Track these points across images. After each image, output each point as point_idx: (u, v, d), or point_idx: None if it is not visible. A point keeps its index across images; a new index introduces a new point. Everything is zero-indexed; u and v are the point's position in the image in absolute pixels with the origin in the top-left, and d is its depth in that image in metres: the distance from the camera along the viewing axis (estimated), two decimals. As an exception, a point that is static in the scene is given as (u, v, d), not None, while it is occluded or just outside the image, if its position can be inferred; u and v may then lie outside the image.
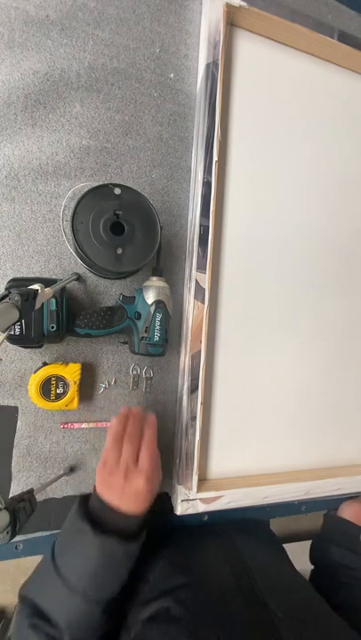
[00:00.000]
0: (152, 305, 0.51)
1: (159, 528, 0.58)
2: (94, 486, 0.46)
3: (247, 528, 0.65)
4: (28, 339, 0.45)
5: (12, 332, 0.44)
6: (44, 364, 0.52)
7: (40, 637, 0.39)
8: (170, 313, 0.53)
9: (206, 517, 0.65)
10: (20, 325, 0.45)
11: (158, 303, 0.51)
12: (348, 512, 0.67)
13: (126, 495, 0.44)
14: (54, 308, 0.46)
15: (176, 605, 0.41)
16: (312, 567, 0.65)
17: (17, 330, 0.45)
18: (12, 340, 0.45)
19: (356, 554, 0.59)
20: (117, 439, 0.47)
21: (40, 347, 0.49)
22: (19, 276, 0.51)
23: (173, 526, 0.62)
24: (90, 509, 0.45)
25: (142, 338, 0.51)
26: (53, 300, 0.46)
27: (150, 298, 0.51)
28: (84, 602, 0.40)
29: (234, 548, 0.55)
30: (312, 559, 0.65)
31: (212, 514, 0.64)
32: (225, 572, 0.48)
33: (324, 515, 0.69)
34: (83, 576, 0.40)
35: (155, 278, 0.53)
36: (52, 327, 0.46)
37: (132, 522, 0.44)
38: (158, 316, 0.51)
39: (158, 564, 0.50)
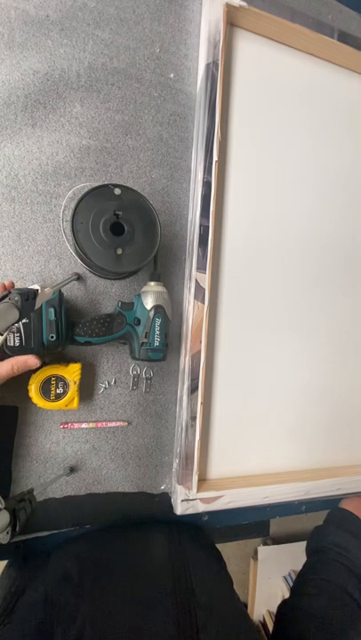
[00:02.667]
0: (151, 310, 0.51)
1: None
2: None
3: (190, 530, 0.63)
4: (27, 349, 0.45)
5: (12, 344, 0.44)
6: (44, 363, 0.52)
7: None
8: (169, 317, 0.53)
9: (207, 517, 0.65)
10: (20, 336, 0.44)
11: (157, 308, 0.51)
12: (348, 504, 0.69)
13: None
14: (53, 317, 0.45)
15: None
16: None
17: (17, 341, 0.44)
18: (12, 350, 0.45)
19: (353, 535, 0.60)
20: None
21: (40, 357, 0.49)
22: (19, 276, 0.51)
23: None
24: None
25: (142, 343, 0.51)
26: (52, 310, 0.45)
27: (149, 303, 0.51)
28: None
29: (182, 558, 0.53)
30: (307, 549, 0.65)
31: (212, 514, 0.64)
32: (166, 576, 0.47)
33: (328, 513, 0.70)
34: None
35: (152, 283, 0.53)
36: (52, 337, 0.46)
37: None
38: (158, 321, 0.51)
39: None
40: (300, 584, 0.57)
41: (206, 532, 0.65)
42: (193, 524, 0.64)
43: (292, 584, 1.29)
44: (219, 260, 0.63)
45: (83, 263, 0.53)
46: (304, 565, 0.61)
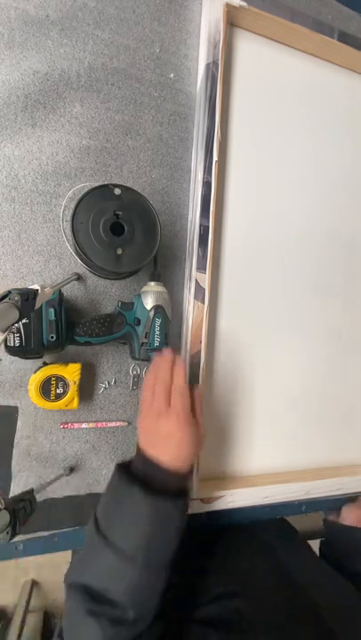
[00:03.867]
0: (151, 310, 0.51)
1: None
2: (137, 445, 0.44)
3: (274, 528, 0.65)
4: (28, 350, 0.45)
5: (12, 344, 0.44)
6: (44, 363, 0.52)
7: (102, 623, 0.35)
8: (169, 317, 0.53)
9: (207, 517, 0.65)
10: (20, 336, 0.44)
11: (157, 308, 0.51)
12: (350, 518, 0.67)
13: (161, 438, 0.42)
14: (53, 317, 0.46)
15: (234, 614, 0.40)
16: None
17: (17, 341, 0.44)
18: (12, 351, 0.45)
19: None
20: (150, 387, 0.45)
21: (40, 357, 0.49)
22: (19, 276, 0.51)
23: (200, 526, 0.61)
24: (133, 471, 0.42)
25: (142, 344, 0.51)
26: (52, 310, 0.45)
27: (149, 303, 0.51)
28: (143, 569, 0.37)
29: (275, 558, 0.54)
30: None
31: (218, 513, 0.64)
32: (272, 584, 0.48)
33: (323, 520, 0.69)
34: (137, 541, 0.38)
35: (152, 283, 0.53)
36: (52, 337, 0.46)
37: (176, 477, 0.41)
38: (158, 321, 0.51)
39: (209, 565, 0.50)
40: None
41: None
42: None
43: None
44: (219, 260, 0.63)
45: (83, 263, 0.53)
46: None
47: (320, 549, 0.67)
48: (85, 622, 0.35)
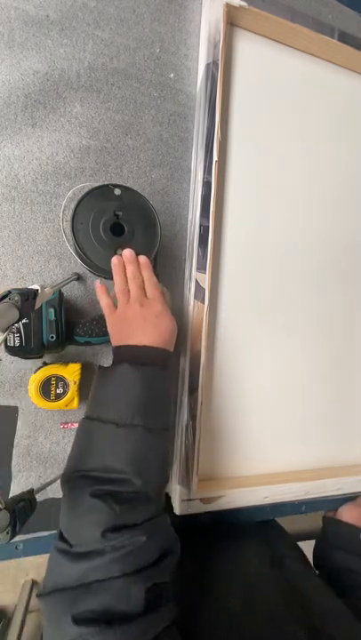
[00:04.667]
0: None
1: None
2: (114, 344, 0.45)
3: (266, 534, 0.65)
4: (28, 350, 0.45)
5: (12, 344, 0.44)
6: (44, 363, 0.52)
7: (108, 501, 0.34)
8: None
9: (207, 517, 0.64)
10: (20, 336, 0.44)
11: None
12: (347, 515, 0.67)
13: (148, 321, 0.44)
14: (53, 317, 0.46)
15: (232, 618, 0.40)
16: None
17: (17, 341, 0.44)
18: (12, 351, 0.45)
19: (359, 557, 0.58)
20: (122, 283, 0.46)
21: (40, 357, 0.49)
22: (19, 276, 0.51)
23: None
24: (115, 359, 0.44)
25: None
26: (52, 310, 0.46)
27: None
28: (145, 432, 0.37)
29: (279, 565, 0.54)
30: (315, 564, 0.65)
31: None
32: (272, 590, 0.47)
33: (323, 517, 0.69)
34: (134, 408, 0.38)
35: None
36: (52, 337, 0.46)
37: (161, 352, 0.43)
38: None
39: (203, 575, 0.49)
40: None
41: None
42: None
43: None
44: (219, 260, 0.62)
45: (83, 263, 0.53)
46: None
47: (315, 545, 0.67)
48: (91, 506, 0.34)
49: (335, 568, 0.59)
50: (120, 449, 0.37)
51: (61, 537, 0.37)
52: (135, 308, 0.45)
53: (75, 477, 0.37)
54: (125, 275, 0.47)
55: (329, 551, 0.62)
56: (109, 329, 0.47)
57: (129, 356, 0.43)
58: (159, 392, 0.41)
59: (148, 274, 0.47)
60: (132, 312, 0.45)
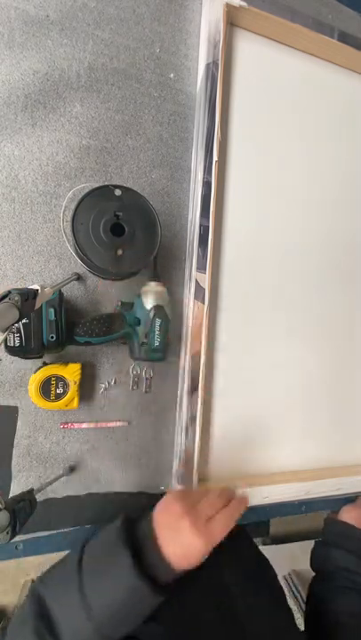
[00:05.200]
0: (151, 310, 0.51)
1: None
2: (153, 514, 0.42)
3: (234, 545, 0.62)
4: (28, 350, 0.45)
5: (12, 344, 0.44)
6: (44, 363, 0.52)
7: None
8: (169, 317, 0.53)
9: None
10: (20, 336, 0.44)
11: (157, 308, 0.51)
12: (346, 516, 0.66)
13: (178, 543, 0.39)
14: (53, 317, 0.46)
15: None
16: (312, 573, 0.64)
17: (17, 341, 0.44)
18: (13, 351, 0.45)
19: (358, 557, 0.58)
20: (209, 491, 0.44)
21: (40, 357, 0.49)
22: (19, 276, 0.51)
23: None
24: (135, 533, 0.40)
25: (142, 343, 0.51)
26: (52, 310, 0.45)
27: (149, 303, 0.51)
28: (95, 633, 0.36)
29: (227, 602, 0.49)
30: (313, 565, 0.64)
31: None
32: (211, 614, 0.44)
33: (324, 519, 0.69)
34: (105, 607, 0.36)
35: (153, 284, 0.53)
36: (52, 337, 0.46)
37: (169, 572, 0.39)
38: (158, 322, 0.51)
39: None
40: (313, 615, 0.56)
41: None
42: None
43: (292, 587, 1.27)
44: (219, 260, 0.63)
45: (83, 264, 0.53)
46: (312, 592, 0.59)
47: (314, 545, 0.67)
48: (28, 634, 0.36)
49: (333, 568, 0.59)
50: (72, 622, 0.37)
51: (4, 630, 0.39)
52: (184, 520, 0.40)
53: (39, 594, 0.39)
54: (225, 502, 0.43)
55: (328, 551, 0.61)
56: (167, 503, 0.42)
57: (143, 546, 0.39)
58: (137, 610, 0.38)
59: (233, 506, 0.43)
60: (177, 518, 0.40)
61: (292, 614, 0.50)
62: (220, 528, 0.40)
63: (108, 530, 0.41)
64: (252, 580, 0.51)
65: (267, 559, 0.59)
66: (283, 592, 0.54)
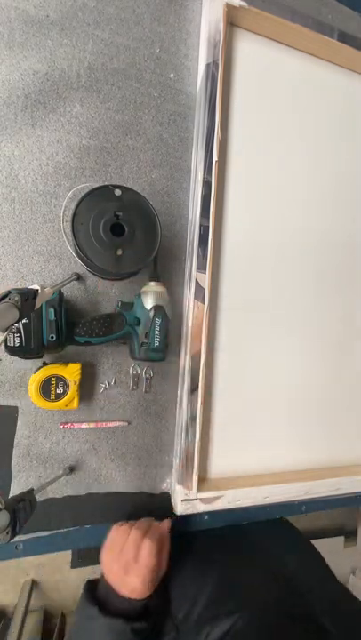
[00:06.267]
0: (151, 310, 0.51)
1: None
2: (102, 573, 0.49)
3: (280, 534, 0.67)
4: (28, 350, 0.45)
5: (12, 344, 0.44)
6: (44, 363, 0.52)
7: None
8: (169, 317, 0.53)
9: (207, 517, 0.65)
10: (20, 336, 0.44)
11: (157, 308, 0.51)
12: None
13: (124, 587, 0.46)
14: (53, 317, 0.45)
15: (235, 635, 0.42)
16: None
17: (17, 341, 0.44)
18: (12, 351, 0.45)
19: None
20: (124, 526, 0.50)
21: (40, 357, 0.49)
22: (19, 276, 0.51)
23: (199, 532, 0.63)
24: (97, 593, 0.48)
25: (142, 343, 0.51)
26: (52, 310, 0.45)
27: (149, 303, 0.51)
28: None
29: (278, 567, 0.56)
30: None
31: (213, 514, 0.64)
32: (275, 597, 0.50)
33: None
34: None
35: (152, 283, 0.53)
36: (52, 337, 0.46)
37: (135, 604, 0.46)
38: (158, 322, 0.51)
39: (207, 584, 0.52)
40: None
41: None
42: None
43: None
44: (219, 259, 0.62)
45: (83, 264, 0.53)
46: None
47: None
48: None
49: None
50: None
51: None
52: (119, 568, 0.47)
53: None
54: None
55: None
56: (103, 556, 0.50)
57: (103, 597, 0.47)
58: None
59: (155, 528, 0.51)
60: (115, 569, 0.47)
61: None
62: (146, 559, 0.47)
63: (79, 601, 0.49)
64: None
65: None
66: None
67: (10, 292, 0.37)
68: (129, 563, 0.46)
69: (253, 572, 0.55)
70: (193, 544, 0.61)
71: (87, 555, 1.36)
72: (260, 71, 0.64)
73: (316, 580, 0.55)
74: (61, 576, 1.42)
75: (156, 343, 0.51)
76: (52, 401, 0.50)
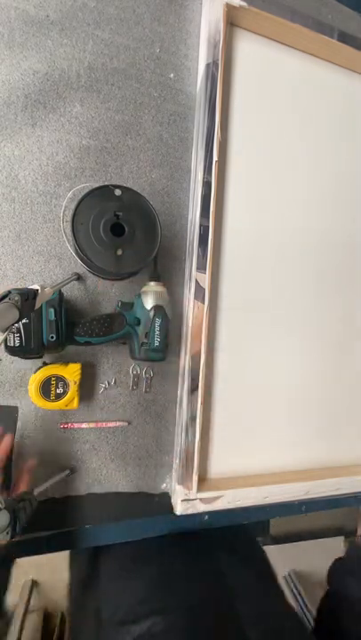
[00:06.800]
0: (151, 310, 0.51)
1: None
2: None
3: (237, 546, 0.66)
4: (28, 350, 0.45)
5: (12, 344, 0.44)
6: (44, 363, 0.52)
7: None
8: (169, 317, 0.53)
9: (207, 517, 0.65)
10: (20, 336, 0.44)
11: (157, 308, 0.51)
12: None
13: None
14: (53, 317, 0.45)
15: (153, 637, 0.42)
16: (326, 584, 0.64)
17: (17, 341, 0.44)
18: (12, 351, 0.45)
19: None
20: None
21: (40, 357, 0.49)
22: (19, 276, 0.51)
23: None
24: None
25: (142, 343, 0.51)
26: (52, 310, 0.45)
27: (149, 303, 0.51)
28: None
29: (218, 577, 0.55)
30: (329, 583, 0.63)
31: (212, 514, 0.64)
32: (204, 602, 0.49)
33: (349, 541, 0.67)
34: None
35: (152, 283, 0.53)
36: (52, 337, 0.46)
37: None
38: (158, 322, 0.51)
39: (138, 585, 0.52)
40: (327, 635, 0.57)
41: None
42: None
43: (292, 587, 1.27)
44: (219, 259, 0.63)
45: (83, 264, 0.53)
46: (326, 610, 0.59)
47: (333, 565, 0.65)
48: None
49: (349, 597, 0.58)
50: None
51: None
52: None
53: None
54: None
55: (344, 576, 0.61)
56: None
57: None
58: None
59: None
60: None
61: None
62: None
63: None
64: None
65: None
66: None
67: (10, 291, 0.37)
68: None
69: (191, 578, 0.54)
70: (138, 545, 0.59)
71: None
72: (260, 71, 0.64)
73: (255, 594, 0.54)
74: (61, 576, 1.42)
75: (156, 343, 0.51)
76: (52, 401, 0.50)
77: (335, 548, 1.58)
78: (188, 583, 0.53)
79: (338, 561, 0.65)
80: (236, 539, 0.67)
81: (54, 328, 0.46)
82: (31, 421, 0.53)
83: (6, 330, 0.34)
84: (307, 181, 0.69)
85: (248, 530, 0.70)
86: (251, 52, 0.63)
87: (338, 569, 0.64)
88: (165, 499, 0.61)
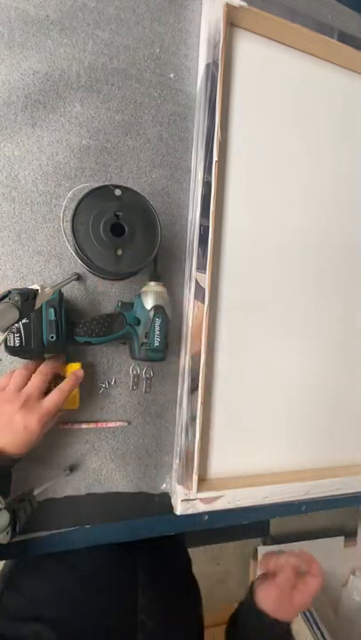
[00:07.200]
0: (151, 310, 0.51)
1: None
2: None
3: (161, 555, 0.65)
4: (28, 350, 0.45)
5: (12, 344, 0.44)
6: (44, 364, 0.52)
7: None
8: (169, 317, 0.53)
9: (207, 517, 0.65)
10: (20, 336, 0.44)
11: (157, 308, 0.51)
12: (260, 596, 0.53)
13: (12, 427, 0.42)
14: (53, 317, 0.45)
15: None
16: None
17: (17, 341, 0.44)
18: (12, 351, 0.45)
19: None
20: (27, 370, 0.46)
21: (40, 357, 0.49)
22: (19, 276, 0.51)
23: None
24: None
25: (142, 344, 0.51)
26: (52, 310, 0.45)
27: (149, 303, 0.51)
28: None
29: (135, 585, 0.55)
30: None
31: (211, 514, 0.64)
32: (102, 612, 0.49)
33: (240, 602, 0.59)
34: None
35: (152, 283, 0.53)
36: (52, 337, 0.46)
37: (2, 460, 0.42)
38: (158, 322, 0.51)
39: (45, 583, 0.52)
40: None
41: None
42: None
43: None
44: (219, 259, 0.63)
45: (83, 264, 0.53)
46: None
47: (229, 620, 0.59)
48: None
49: None
50: None
51: None
52: (13, 404, 0.43)
53: None
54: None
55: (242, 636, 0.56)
56: None
57: None
58: None
59: (66, 383, 0.48)
60: (5, 406, 0.43)
61: None
62: (54, 402, 0.44)
63: None
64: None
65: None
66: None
67: (10, 291, 0.37)
68: (30, 400, 0.43)
69: (98, 599, 0.53)
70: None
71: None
72: (260, 71, 0.64)
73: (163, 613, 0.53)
74: None
75: (156, 343, 0.51)
76: (52, 401, 0.50)
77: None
78: (91, 602, 0.51)
79: (232, 622, 0.58)
80: (161, 552, 0.65)
81: (54, 328, 0.46)
82: (31, 421, 0.53)
83: (6, 330, 0.34)
84: (307, 181, 0.69)
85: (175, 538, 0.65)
86: (251, 52, 0.63)
87: (232, 632, 0.58)
88: (165, 499, 0.61)
